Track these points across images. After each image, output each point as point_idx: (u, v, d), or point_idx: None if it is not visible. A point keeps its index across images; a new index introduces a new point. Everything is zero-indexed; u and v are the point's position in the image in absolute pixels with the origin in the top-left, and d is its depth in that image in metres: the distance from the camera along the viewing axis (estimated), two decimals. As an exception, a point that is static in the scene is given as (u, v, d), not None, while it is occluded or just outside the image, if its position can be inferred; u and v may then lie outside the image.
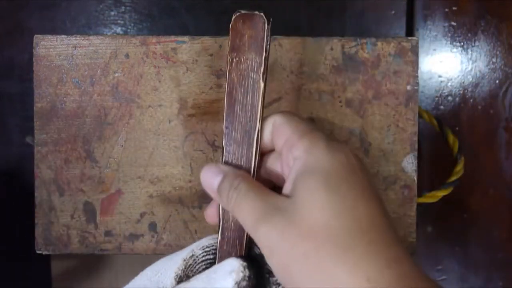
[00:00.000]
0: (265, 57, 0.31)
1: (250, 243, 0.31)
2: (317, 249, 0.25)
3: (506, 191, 0.60)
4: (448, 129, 0.48)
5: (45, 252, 0.38)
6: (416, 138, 0.37)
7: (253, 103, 0.31)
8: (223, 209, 0.31)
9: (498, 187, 0.60)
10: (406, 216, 0.38)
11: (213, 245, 0.33)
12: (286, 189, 0.28)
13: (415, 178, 0.37)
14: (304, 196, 0.26)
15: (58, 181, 0.38)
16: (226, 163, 0.31)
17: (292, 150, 0.28)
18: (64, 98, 0.38)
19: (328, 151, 0.27)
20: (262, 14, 0.31)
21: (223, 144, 0.31)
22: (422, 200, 0.46)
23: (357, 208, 0.26)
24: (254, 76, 0.31)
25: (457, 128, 0.59)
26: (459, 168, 0.46)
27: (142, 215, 0.38)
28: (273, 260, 0.27)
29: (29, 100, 0.38)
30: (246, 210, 0.28)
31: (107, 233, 0.38)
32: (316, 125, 0.29)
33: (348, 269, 0.25)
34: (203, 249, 0.32)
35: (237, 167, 0.31)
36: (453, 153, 0.47)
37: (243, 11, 0.31)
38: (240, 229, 0.31)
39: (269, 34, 0.31)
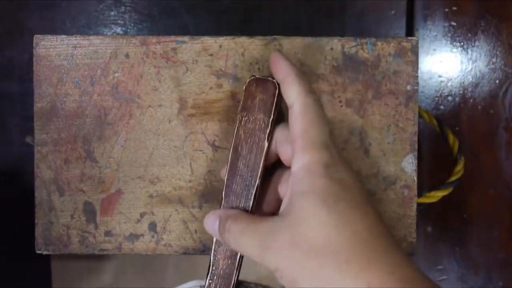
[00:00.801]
0: (272, 119, 0.33)
1: None
2: (322, 266, 0.27)
3: (506, 191, 0.60)
4: (448, 129, 0.48)
5: (45, 252, 0.38)
6: (416, 138, 0.37)
7: (255, 160, 0.33)
8: (214, 256, 0.33)
9: (498, 187, 0.60)
10: (406, 216, 0.38)
11: None
12: (284, 205, 0.30)
13: (415, 178, 0.37)
14: (303, 214, 0.28)
15: (58, 181, 0.38)
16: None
17: (292, 160, 0.30)
18: (64, 98, 0.38)
19: (325, 170, 0.29)
20: (274, 80, 0.33)
21: (223, 194, 0.33)
22: (422, 200, 0.46)
23: (355, 222, 0.27)
24: (260, 136, 0.33)
25: (457, 128, 0.59)
26: (459, 168, 0.46)
27: (142, 215, 0.38)
28: (284, 280, 0.29)
29: (29, 100, 0.39)
30: (245, 246, 0.30)
31: (107, 233, 0.38)
32: (328, 133, 0.31)
33: (351, 279, 0.26)
34: None
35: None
36: (453, 153, 0.47)
37: (257, 76, 0.34)
38: (228, 277, 0.33)
39: (279, 99, 0.33)
